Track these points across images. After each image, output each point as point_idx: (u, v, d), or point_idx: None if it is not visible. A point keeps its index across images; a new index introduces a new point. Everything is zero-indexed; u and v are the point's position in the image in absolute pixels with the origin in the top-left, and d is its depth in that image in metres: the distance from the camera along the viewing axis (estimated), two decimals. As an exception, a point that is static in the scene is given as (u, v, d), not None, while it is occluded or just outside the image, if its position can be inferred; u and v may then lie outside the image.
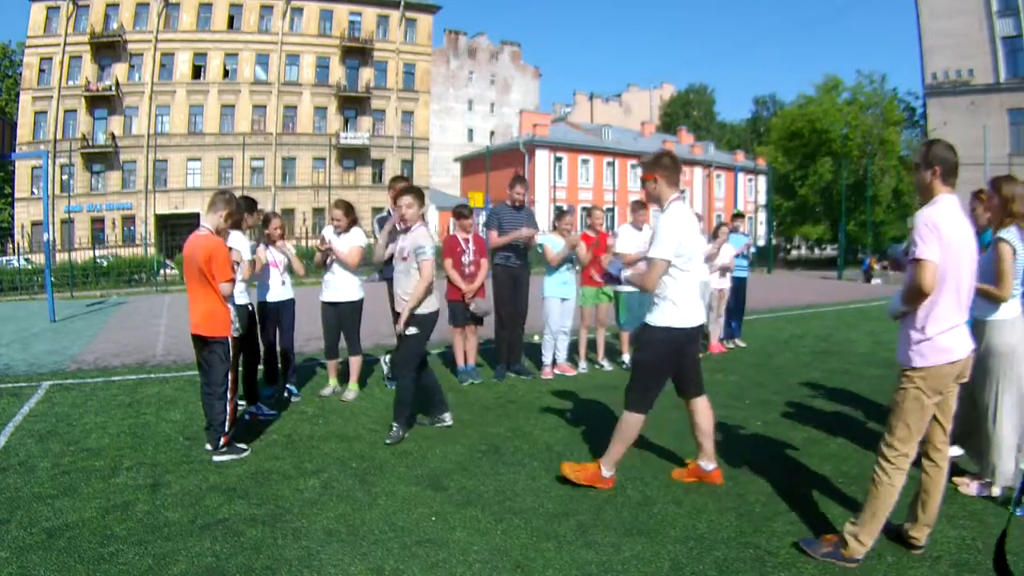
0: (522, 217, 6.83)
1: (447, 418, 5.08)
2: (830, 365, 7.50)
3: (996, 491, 3.59)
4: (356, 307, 5.98)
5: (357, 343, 6.02)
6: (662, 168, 3.89)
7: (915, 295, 2.79)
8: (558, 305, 6.82)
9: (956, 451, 3.71)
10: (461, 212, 6.67)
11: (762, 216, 39.06)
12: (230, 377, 4.42)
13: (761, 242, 33.04)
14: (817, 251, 45.06)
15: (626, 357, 7.29)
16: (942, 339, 2.79)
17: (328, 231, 6.02)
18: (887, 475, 2.85)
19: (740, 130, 67.95)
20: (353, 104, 41.92)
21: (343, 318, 5.94)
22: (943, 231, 2.73)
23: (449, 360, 7.12)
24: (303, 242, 23.85)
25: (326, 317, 5.96)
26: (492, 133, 57.89)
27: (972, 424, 3.73)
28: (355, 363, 6.01)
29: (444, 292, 6.53)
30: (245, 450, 4.45)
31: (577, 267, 6.97)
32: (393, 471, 4.13)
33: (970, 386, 3.69)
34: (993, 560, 0.74)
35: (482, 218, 13.03)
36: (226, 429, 4.35)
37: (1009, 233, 3.54)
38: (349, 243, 5.95)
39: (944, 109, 31.18)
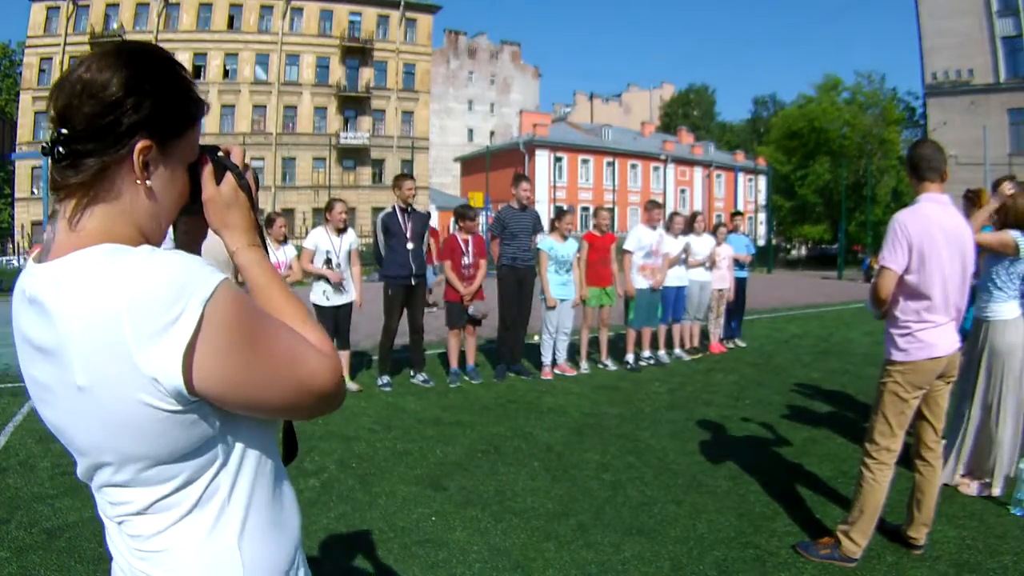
0: (528, 219, 6.81)
1: None
2: (830, 365, 7.50)
3: (996, 491, 3.59)
4: (352, 305, 6.14)
5: (348, 338, 6.18)
6: None
7: (874, 299, 2.83)
8: (558, 305, 6.82)
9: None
10: (465, 214, 6.64)
11: (762, 216, 39.03)
12: None
13: (761, 242, 33.00)
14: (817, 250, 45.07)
15: (630, 357, 7.29)
16: (924, 335, 2.78)
17: (318, 234, 6.01)
18: (870, 471, 2.85)
19: (740, 130, 67.88)
20: (353, 104, 41.90)
21: (341, 317, 6.01)
22: (913, 236, 2.72)
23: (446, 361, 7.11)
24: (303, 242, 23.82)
25: (325, 317, 5.96)
26: (492, 133, 57.88)
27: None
28: (345, 357, 6.10)
29: (443, 292, 6.55)
30: None
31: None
32: (393, 471, 4.13)
33: (971, 385, 3.70)
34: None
35: (481, 217, 13.08)
36: None
37: (1019, 233, 3.54)
38: (350, 244, 6.06)
39: (944, 109, 31.16)
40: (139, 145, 0.83)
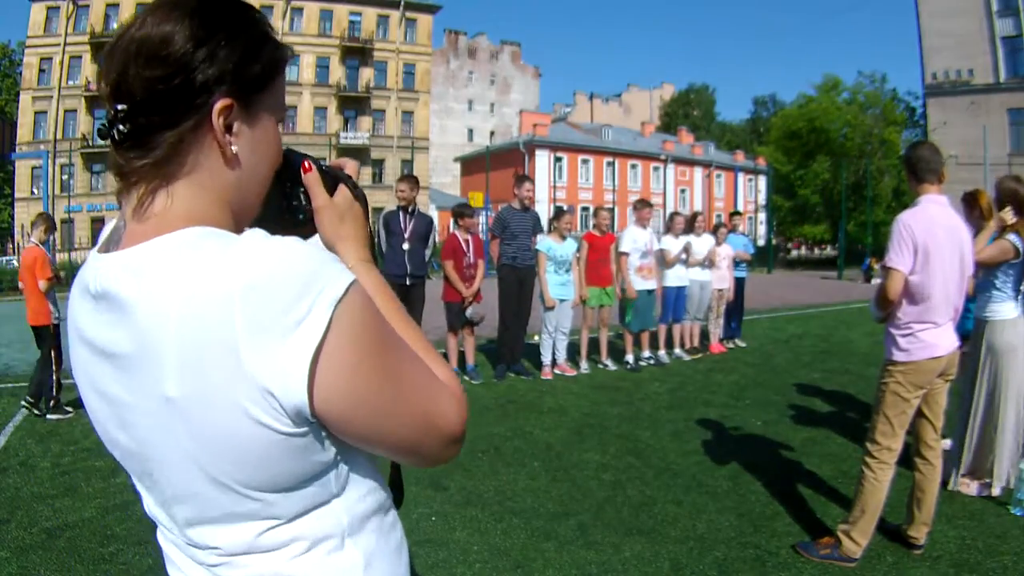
0: (529, 220, 6.81)
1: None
2: (830, 365, 7.50)
3: (996, 491, 3.59)
4: None
5: None
6: None
7: (882, 301, 2.83)
8: (556, 306, 6.82)
9: (947, 444, 3.71)
10: (462, 212, 6.64)
11: (762, 216, 39.02)
12: (53, 354, 5.43)
13: (761, 242, 33.00)
14: (817, 251, 45.07)
15: (630, 357, 7.29)
16: (924, 335, 2.79)
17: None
18: (871, 471, 2.86)
19: (740, 130, 67.87)
20: (353, 104, 41.90)
21: None
22: (918, 236, 2.73)
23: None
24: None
25: None
26: (492, 133, 57.87)
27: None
28: None
29: (440, 292, 6.55)
30: (69, 412, 5.41)
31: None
32: (393, 471, 4.12)
33: (970, 384, 3.71)
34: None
35: (481, 217, 13.07)
36: (53, 393, 5.42)
37: (1014, 236, 3.55)
38: None
39: (944, 109, 31.16)
40: (218, 105, 0.69)
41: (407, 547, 0.87)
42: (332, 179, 0.86)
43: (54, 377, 5.43)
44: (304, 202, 0.84)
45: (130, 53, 0.67)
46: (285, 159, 0.83)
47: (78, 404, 5.36)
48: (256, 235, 0.67)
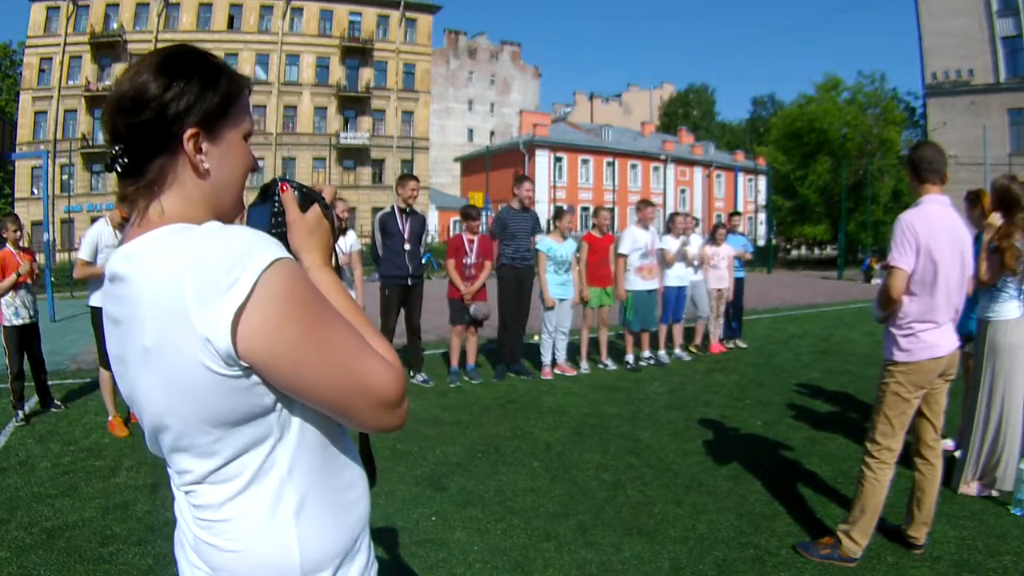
0: (528, 220, 6.81)
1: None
2: (830, 365, 7.50)
3: (997, 491, 3.59)
4: None
5: None
6: None
7: (885, 300, 2.83)
8: (556, 305, 6.82)
9: (948, 444, 3.71)
10: (469, 214, 6.71)
11: (762, 216, 39.00)
12: (7, 358, 5.35)
13: (761, 242, 32.96)
14: (817, 251, 45.05)
15: (630, 357, 7.29)
16: (925, 335, 2.79)
17: None
18: (871, 470, 2.86)
19: (740, 130, 67.84)
20: (353, 104, 41.88)
21: None
22: (920, 236, 2.74)
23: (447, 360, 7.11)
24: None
25: None
26: (492, 133, 57.85)
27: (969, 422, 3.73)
28: None
29: (445, 291, 6.55)
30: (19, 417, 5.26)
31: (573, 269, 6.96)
32: (393, 471, 4.13)
33: (976, 386, 3.70)
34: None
35: (482, 217, 13.03)
36: (12, 399, 5.27)
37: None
38: (350, 246, 6.00)
39: (944, 109, 31.13)
40: (187, 134, 0.89)
41: (363, 509, 1.01)
42: (309, 199, 1.04)
43: (8, 375, 5.32)
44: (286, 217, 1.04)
45: (116, 106, 0.89)
46: (273, 182, 1.03)
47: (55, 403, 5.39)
48: (211, 225, 0.86)
